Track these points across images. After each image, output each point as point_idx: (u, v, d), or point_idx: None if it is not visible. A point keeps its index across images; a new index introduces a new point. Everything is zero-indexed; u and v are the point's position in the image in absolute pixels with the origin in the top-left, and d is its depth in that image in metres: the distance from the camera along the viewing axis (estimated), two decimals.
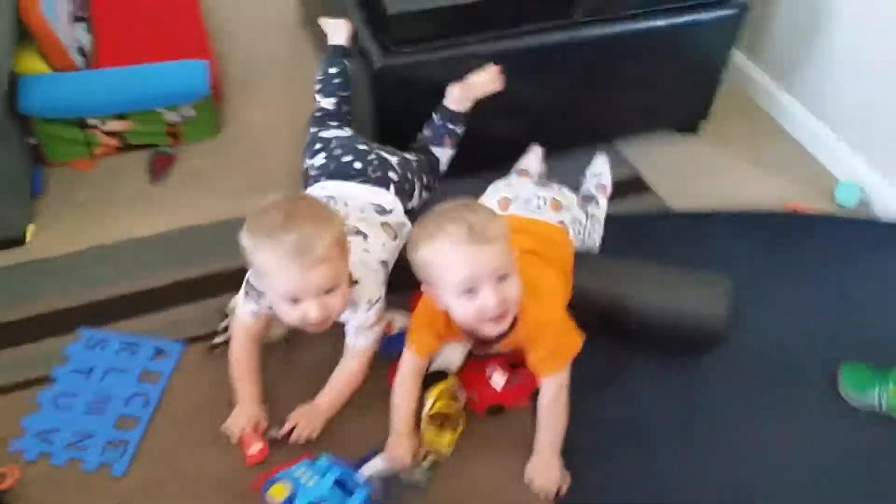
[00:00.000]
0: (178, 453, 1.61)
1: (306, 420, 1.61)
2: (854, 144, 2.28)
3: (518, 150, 2.10)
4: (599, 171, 2.09)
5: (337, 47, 2.05)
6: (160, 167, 2.20)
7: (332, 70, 2.02)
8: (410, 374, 1.61)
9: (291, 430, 1.60)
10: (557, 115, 2.14)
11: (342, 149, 1.84)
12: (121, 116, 2.14)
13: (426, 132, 1.95)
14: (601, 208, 1.96)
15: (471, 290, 1.39)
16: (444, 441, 1.59)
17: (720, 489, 1.60)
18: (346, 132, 1.93)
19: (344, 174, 1.79)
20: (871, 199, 2.24)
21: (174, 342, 1.79)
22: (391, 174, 1.81)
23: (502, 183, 1.89)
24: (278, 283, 1.44)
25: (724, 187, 2.27)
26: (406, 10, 1.83)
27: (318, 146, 1.88)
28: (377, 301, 1.60)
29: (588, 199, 1.95)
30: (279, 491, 1.45)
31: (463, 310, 1.42)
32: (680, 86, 2.24)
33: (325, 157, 1.83)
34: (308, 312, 1.45)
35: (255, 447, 1.58)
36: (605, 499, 1.57)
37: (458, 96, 1.91)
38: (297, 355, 1.76)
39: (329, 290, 1.45)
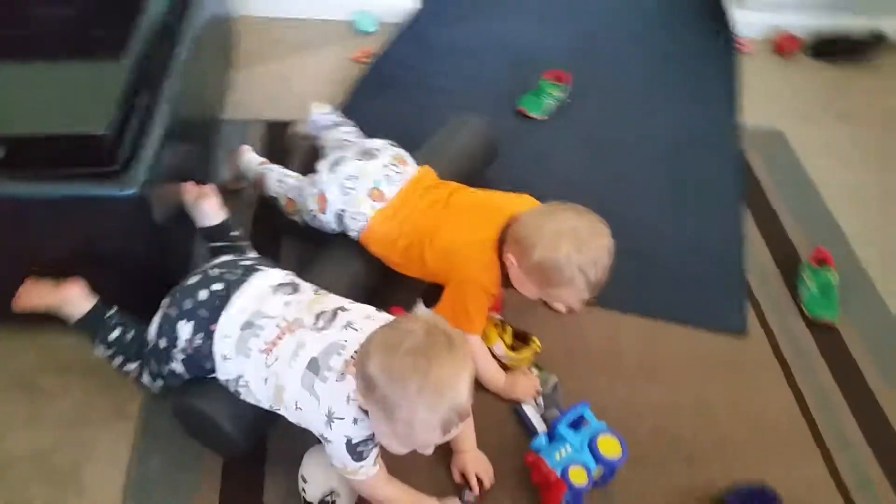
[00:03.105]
0: None
1: (478, 466, 1.56)
2: None
3: None
4: None
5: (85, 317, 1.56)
6: None
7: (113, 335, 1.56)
8: (486, 349, 1.71)
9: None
10: None
11: (192, 289, 1.48)
12: None
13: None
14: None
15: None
16: (538, 345, 1.77)
17: None
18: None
19: (226, 299, 1.45)
20: None
21: None
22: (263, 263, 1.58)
23: (336, 179, 1.77)
24: (418, 438, 1.25)
25: None
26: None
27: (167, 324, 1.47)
28: None
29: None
30: (578, 475, 1.49)
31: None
32: None
33: (193, 304, 1.45)
34: (426, 451, 1.31)
35: None
36: None
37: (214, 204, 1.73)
38: None
39: None
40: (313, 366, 1.33)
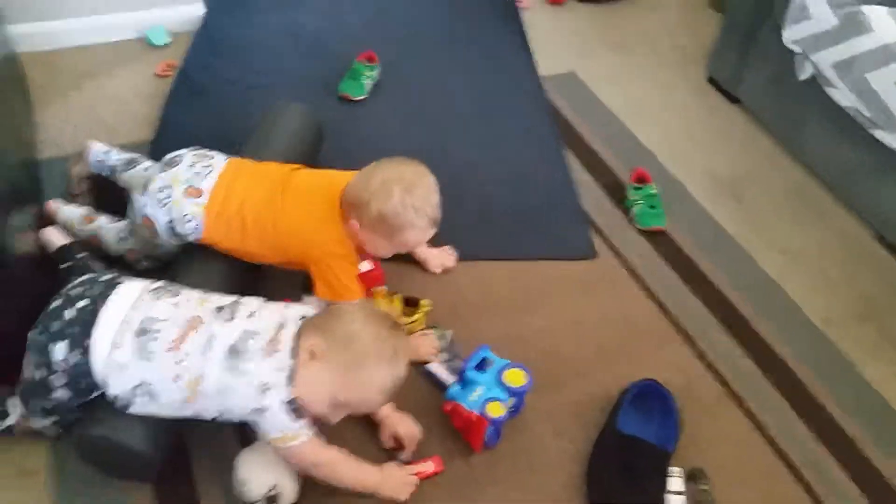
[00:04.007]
0: None
1: (406, 426, 1.62)
2: None
3: None
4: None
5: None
6: None
7: None
8: None
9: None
10: None
11: (56, 311, 1.45)
12: None
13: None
14: None
15: None
16: (428, 306, 1.85)
17: None
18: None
19: (94, 314, 1.42)
20: None
21: None
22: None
23: (150, 196, 1.74)
24: (366, 398, 1.44)
25: None
26: None
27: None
28: None
29: None
30: (495, 409, 1.59)
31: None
32: None
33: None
34: (334, 419, 1.46)
35: (427, 466, 1.59)
36: None
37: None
38: None
39: None
40: (233, 351, 1.38)
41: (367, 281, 1.77)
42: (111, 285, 1.47)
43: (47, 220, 1.87)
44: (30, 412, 1.48)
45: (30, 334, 1.44)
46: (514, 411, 1.69)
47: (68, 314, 1.42)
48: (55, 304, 1.45)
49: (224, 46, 2.65)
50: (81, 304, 1.43)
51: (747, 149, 2.56)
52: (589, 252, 2.13)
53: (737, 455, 1.70)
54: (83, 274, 1.59)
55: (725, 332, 1.96)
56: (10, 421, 1.48)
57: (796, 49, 2.31)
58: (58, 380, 1.42)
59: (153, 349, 1.38)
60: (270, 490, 1.43)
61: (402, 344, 1.43)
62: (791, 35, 2.31)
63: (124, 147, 2.06)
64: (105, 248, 1.86)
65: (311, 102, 2.20)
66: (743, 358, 1.91)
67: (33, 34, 2.50)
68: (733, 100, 2.71)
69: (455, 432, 1.64)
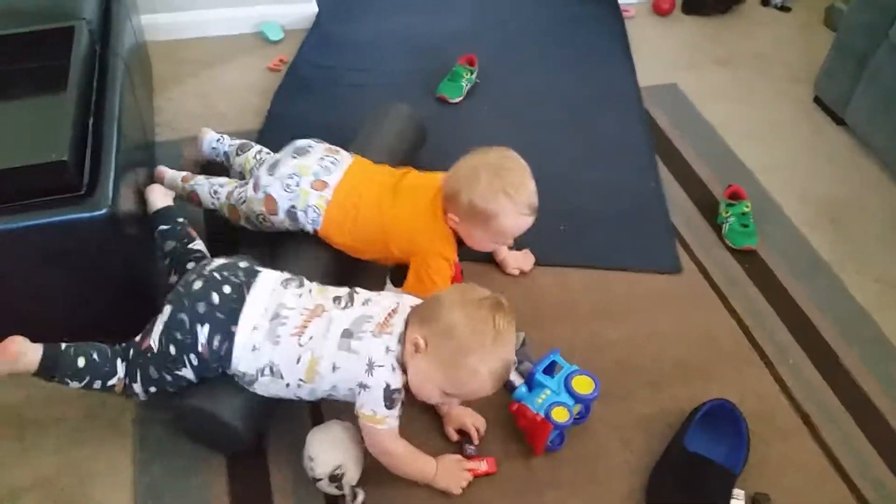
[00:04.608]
0: None
1: (472, 418, 1.67)
2: None
3: None
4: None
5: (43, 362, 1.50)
6: None
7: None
8: None
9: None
10: None
11: (201, 293, 1.51)
12: None
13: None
14: None
15: None
16: None
17: None
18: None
19: (241, 300, 1.51)
20: None
21: None
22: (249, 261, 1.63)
23: (278, 179, 1.81)
24: (474, 385, 1.45)
25: None
26: None
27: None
28: None
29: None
30: (560, 414, 1.61)
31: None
32: None
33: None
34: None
35: (481, 464, 1.62)
36: None
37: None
38: None
39: None
40: (347, 333, 1.46)
41: None
42: (251, 273, 1.56)
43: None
44: (131, 376, 1.53)
45: (171, 310, 1.50)
46: (581, 418, 1.70)
47: (214, 298, 1.49)
48: (197, 285, 1.51)
49: (332, 44, 2.76)
50: (226, 290, 1.51)
51: (850, 173, 2.48)
52: (674, 266, 2.11)
53: (806, 485, 1.66)
54: (180, 239, 1.73)
55: (808, 359, 1.91)
56: (113, 381, 1.54)
57: None
58: (192, 359, 1.49)
59: (280, 333, 1.48)
60: (335, 469, 1.50)
61: (503, 320, 1.42)
62: None
63: (233, 135, 2.18)
64: (203, 204, 1.96)
65: (410, 102, 2.26)
66: (823, 387, 1.85)
67: (158, 24, 2.67)
68: (839, 121, 2.63)
69: (518, 433, 1.67)
